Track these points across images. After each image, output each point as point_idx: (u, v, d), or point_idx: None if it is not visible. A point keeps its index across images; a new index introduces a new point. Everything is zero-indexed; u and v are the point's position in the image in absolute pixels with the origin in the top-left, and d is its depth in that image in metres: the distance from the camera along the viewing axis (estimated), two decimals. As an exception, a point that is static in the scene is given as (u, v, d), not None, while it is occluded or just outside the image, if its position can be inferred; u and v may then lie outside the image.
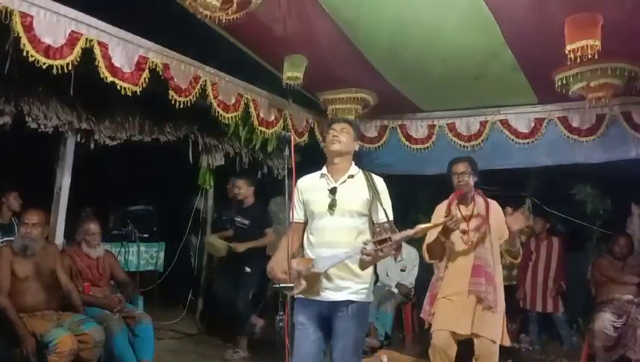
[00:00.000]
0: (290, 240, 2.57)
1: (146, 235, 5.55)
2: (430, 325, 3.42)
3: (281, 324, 2.23)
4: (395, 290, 5.61)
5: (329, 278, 2.50)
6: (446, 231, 3.20)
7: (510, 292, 5.59)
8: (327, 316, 2.53)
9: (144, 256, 5.49)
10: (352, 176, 2.63)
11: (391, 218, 2.56)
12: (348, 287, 2.52)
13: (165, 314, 5.73)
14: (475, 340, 3.25)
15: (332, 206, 2.52)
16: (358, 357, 2.57)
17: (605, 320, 4.38)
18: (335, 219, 2.53)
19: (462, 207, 3.42)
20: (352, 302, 2.52)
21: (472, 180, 3.42)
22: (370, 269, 2.56)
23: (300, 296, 2.51)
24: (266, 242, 5.02)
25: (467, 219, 3.37)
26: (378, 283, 5.77)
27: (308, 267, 2.44)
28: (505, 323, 3.37)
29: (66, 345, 3.29)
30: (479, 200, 3.45)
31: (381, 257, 2.38)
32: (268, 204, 5.81)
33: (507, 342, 3.36)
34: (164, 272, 5.73)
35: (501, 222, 3.26)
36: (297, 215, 2.69)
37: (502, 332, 3.31)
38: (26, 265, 3.55)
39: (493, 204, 3.44)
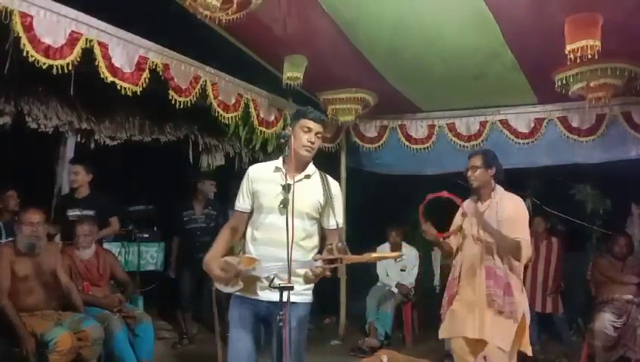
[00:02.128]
0: (228, 233, 2.51)
1: (146, 235, 5.54)
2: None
3: (280, 324, 2.16)
4: (395, 290, 5.61)
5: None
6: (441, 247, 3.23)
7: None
8: (264, 316, 2.40)
9: (144, 256, 5.48)
10: (308, 176, 2.48)
11: (341, 225, 2.49)
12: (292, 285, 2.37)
13: (165, 314, 5.73)
14: (487, 345, 3.09)
15: (284, 204, 2.30)
16: (300, 358, 2.43)
17: (605, 320, 4.37)
18: (285, 218, 2.28)
19: (479, 204, 3.28)
20: (293, 303, 2.32)
21: (485, 174, 3.23)
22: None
23: (238, 293, 2.41)
24: (110, 232, 4.73)
25: (480, 216, 3.18)
26: (378, 283, 5.79)
27: (249, 269, 2.30)
28: (526, 331, 3.17)
29: (65, 343, 3.30)
30: (497, 196, 3.23)
31: (327, 276, 2.25)
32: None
33: (529, 352, 3.18)
34: (164, 272, 5.72)
35: (514, 219, 3.10)
36: (243, 204, 2.51)
37: (520, 341, 3.12)
38: (26, 265, 3.55)
39: (507, 201, 3.21)
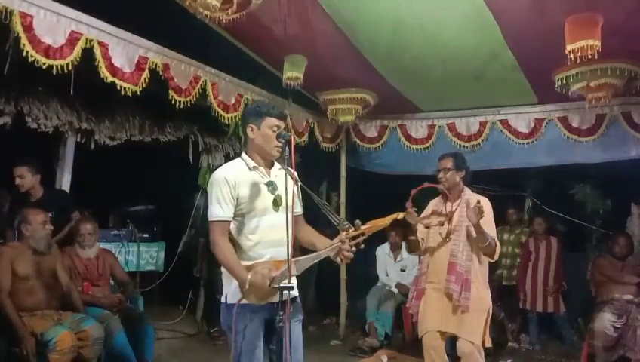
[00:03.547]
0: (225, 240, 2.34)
1: (146, 235, 5.55)
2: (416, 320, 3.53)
3: (281, 324, 2.17)
4: (395, 290, 5.61)
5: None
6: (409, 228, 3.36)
7: (510, 292, 5.62)
8: (270, 318, 2.33)
9: (144, 256, 5.48)
10: (280, 170, 2.43)
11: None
12: (294, 283, 2.34)
13: (165, 314, 5.74)
14: (458, 341, 3.30)
15: (277, 202, 2.32)
16: None
17: (605, 320, 4.37)
18: (280, 216, 2.31)
19: (448, 204, 3.44)
20: (296, 298, 2.44)
21: (456, 176, 3.40)
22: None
23: (246, 301, 2.29)
24: (71, 226, 4.27)
25: (449, 215, 3.36)
26: (378, 283, 5.79)
27: (283, 271, 2.21)
28: (488, 323, 3.34)
29: (66, 342, 3.29)
30: (465, 196, 3.41)
31: (354, 252, 2.31)
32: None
33: (487, 343, 3.32)
34: (164, 272, 5.73)
35: (484, 220, 3.19)
36: (228, 212, 2.34)
37: (483, 333, 3.29)
38: (27, 264, 3.55)
39: (473, 201, 3.32)
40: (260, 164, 2.43)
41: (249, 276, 2.23)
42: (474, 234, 3.19)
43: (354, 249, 2.27)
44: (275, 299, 2.24)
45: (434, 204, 3.55)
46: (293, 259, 2.22)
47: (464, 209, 3.32)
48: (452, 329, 3.29)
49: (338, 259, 2.32)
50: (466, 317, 3.24)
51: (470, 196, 3.41)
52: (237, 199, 2.36)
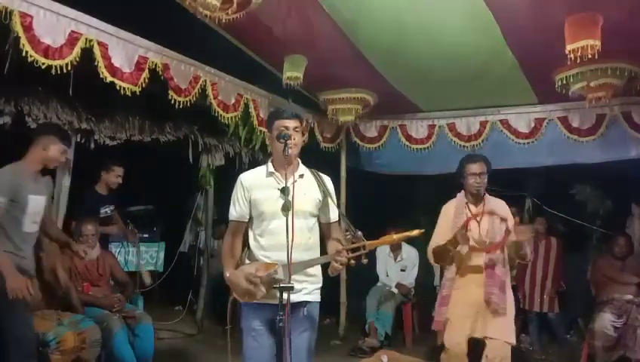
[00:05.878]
0: (231, 242, 2.51)
1: (146, 235, 5.55)
2: (436, 326, 3.43)
3: (281, 324, 2.17)
4: (395, 290, 5.61)
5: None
6: (455, 242, 3.19)
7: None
8: (272, 319, 2.36)
9: (144, 256, 5.49)
10: (302, 176, 2.53)
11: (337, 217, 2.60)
12: (304, 288, 2.46)
13: (165, 314, 5.74)
14: (489, 342, 3.21)
15: (286, 207, 2.33)
16: (312, 358, 2.50)
17: (605, 320, 4.38)
18: (290, 221, 2.35)
19: (472, 207, 3.39)
20: (308, 302, 2.48)
21: (486, 180, 3.40)
22: (320, 269, 2.53)
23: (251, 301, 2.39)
24: (117, 229, 4.81)
25: (478, 218, 3.33)
26: (378, 283, 5.79)
27: (270, 273, 2.29)
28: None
29: (68, 342, 3.30)
30: (489, 199, 3.42)
31: (352, 265, 2.32)
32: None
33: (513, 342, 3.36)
34: (164, 272, 5.73)
35: (511, 221, 3.26)
36: (241, 213, 2.50)
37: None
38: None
39: (500, 204, 3.42)
40: (278, 169, 2.48)
41: (227, 274, 2.41)
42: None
43: (345, 260, 2.29)
44: (274, 301, 2.27)
45: (454, 208, 3.44)
46: (291, 263, 2.26)
47: (494, 212, 3.31)
48: (488, 333, 3.21)
49: (329, 268, 2.39)
50: (504, 320, 3.23)
51: (491, 198, 3.43)
52: (249, 202, 2.50)
